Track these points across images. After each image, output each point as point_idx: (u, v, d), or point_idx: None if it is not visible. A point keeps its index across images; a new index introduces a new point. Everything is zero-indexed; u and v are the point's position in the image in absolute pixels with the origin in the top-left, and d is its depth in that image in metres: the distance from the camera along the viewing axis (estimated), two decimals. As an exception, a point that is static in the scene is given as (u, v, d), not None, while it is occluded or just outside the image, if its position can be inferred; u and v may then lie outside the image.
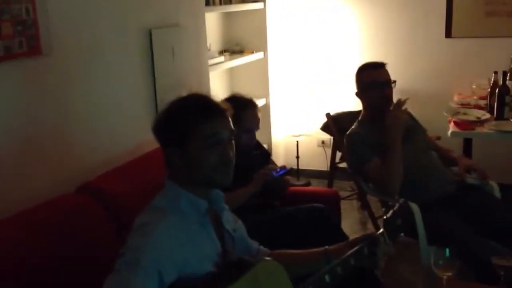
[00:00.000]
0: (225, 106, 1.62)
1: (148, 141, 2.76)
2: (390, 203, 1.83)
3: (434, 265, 1.89)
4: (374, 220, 3.77)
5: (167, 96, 2.93)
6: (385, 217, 1.78)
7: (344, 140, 2.88)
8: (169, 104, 1.62)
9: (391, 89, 2.81)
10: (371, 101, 2.82)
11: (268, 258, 1.69)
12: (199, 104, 1.58)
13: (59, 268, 1.83)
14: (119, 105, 2.66)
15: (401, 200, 1.83)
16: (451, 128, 3.29)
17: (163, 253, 1.41)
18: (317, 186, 4.63)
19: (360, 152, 2.74)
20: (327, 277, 1.57)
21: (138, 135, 2.72)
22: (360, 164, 2.74)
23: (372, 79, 2.79)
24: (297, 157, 4.77)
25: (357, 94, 2.90)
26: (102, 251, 2.00)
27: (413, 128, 2.85)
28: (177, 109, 1.60)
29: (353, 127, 2.93)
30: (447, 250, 1.87)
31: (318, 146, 4.90)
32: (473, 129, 3.25)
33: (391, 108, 2.73)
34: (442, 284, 1.90)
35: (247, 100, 2.63)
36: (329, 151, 4.53)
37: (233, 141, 1.61)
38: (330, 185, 4.33)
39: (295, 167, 4.75)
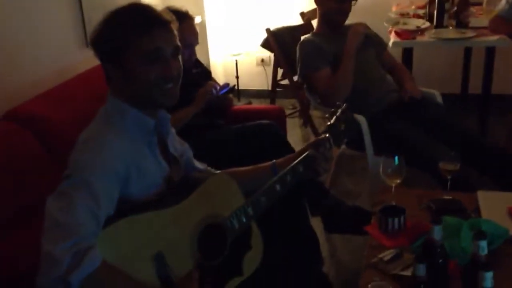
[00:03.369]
0: (169, 17, 1.45)
1: (78, 62, 2.60)
2: (333, 109, 1.80)
3: (383, 174, 1.91)
4: (318, 135, 3.76)
5: (94, 14, 2.75)
6: (329, 123, 1.77)
7: (297, 48, 2.81)
8: (107, 14, 1.45)
9: (350, 6, 2.74)
10: (328, 12, 2.75)
11: (218, 172, 1.67)
12: (138, 14, 1.42)
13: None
14: (41, 24, 2.45)
15: (344, 106, 1.81)
16: (392, 38, 3.26)
17: (111, 172, 1.32)
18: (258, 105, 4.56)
19: (311, 60, 2.70)
20: (277, 186, 1.59)
21: (65, 56, 2.56)
22: (310, 72, 2.70)
23: None
24: (237, 77, 4.65)
25: (316, 1, 2.80)
26: (34, 179, 1.91)
27: (367, 42, 2.78)
28: (114, 19, 1.43)
29: (307, 35, 2.87)
30: (396, 158, 1.88)
31: (258, 65, 4.80)
32: (414, 38, 3.23)
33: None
34: (390, 191, 1.93)
35: (182, 13, 2.44)
36: (269, 69, 4.45)
37: (179, 58, 1.48)
38: (272, 103, 4.27)
39: (235, 87, 4.65)
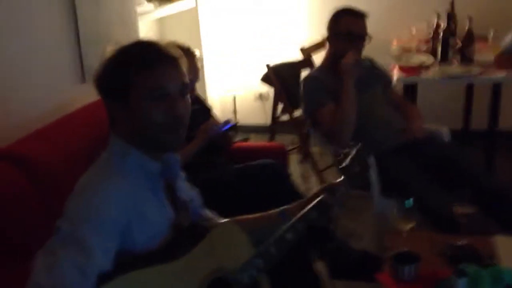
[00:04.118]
0: (177, 53, 1.37)
1: (74, 100, 2.51)
2: (346, 150, 1.68)
3: (395, 218, 1.81)
4: (318, 172, 3.68)
5: (92, 49, 2.68)
6: (343, 164, 1.64)
7: (301, 84, 2.72)
8: (111, 52, 1.37)
9: (362, 46, 2.62)
10: (340, 50, 2.60)
11: (224, 221, 1.56)
12: (143, 50, 1.34)
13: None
14: (36, 60, 2.35)
15: (358, 146, 1.70)
16: (396, 74, 3.19)
17: (108, 224, 1.22)
18: (257, 141, 4.47)
19: (315, 96, 2.61)
20: (289, 235, 1.49)
21: (61, 93, 2.47)
22: (315, 108, 2.60)
23: (348, 29, 2.58)
24: (235, 112, 4.57)
25: (328, 39, 2.69)
26: (23, 220, 1.79)
27: (372, 79, 2.72)
28: (118, 56, 1.35)
29: (311, 71, 2.79)
30: (410, 201, 1.78)
31: (256, 100, 4.73)
32: (419, 74, 3.15)
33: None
34: (401, 235, 1.82)
35: (185, 49, 2.39)
36: (267, 104, 4.37)
37: (188, 97, 1.39)
38: (272, 139, 4.18)
39: (237, 124, 4.56)
